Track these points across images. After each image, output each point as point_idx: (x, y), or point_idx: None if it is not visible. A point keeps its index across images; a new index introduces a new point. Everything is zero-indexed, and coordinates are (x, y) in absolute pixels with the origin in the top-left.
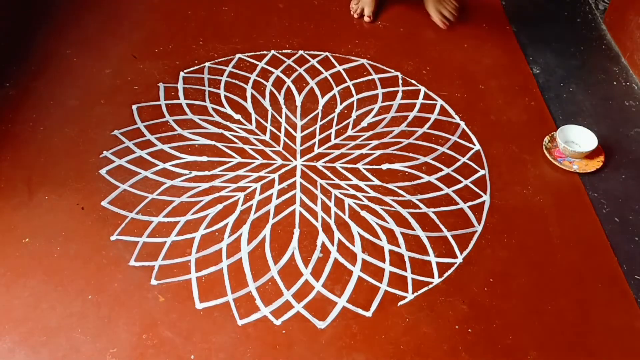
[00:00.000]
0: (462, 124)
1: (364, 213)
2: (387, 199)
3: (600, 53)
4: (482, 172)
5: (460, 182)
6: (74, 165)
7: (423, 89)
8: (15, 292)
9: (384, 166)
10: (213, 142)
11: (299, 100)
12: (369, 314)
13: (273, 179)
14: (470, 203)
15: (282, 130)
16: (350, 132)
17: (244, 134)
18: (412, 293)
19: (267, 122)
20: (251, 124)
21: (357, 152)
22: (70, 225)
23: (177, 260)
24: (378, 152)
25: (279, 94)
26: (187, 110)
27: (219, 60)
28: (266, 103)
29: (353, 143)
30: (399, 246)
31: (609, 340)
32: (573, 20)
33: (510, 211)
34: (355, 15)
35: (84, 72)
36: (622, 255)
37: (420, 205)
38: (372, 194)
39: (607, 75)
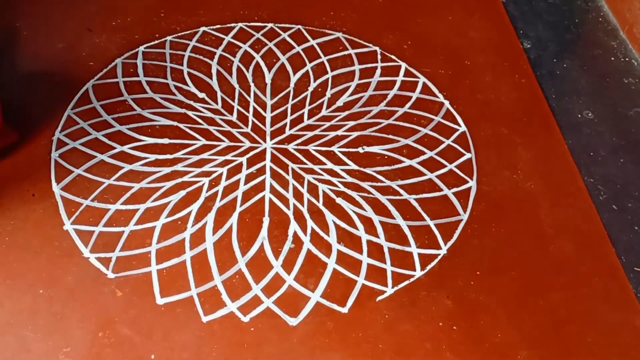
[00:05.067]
0: (447, 103)
1: (339, 200)
2: (365, 184)
3: (596, 26)
4: (468, 155)
5: (445, 166)
6: (23, 148)
7: (404, 65)
8: None
9: (362, 149)
10: (175, 123)
11: (268, 77)
12: (345, 309)
13: (241, 163)
14: (455, 189)
15: (251, 110)
16: (324, 112)
17: (209, 114)
18: (392, 287)
19: (234, 101)
20: (217, 104)
21: (332, 134)
22: (20, 213)
23: (136, 252)
24: (355, 134)
25: (247, 71)
26: (147, 88)
27: (182, 34)
28: (233, 80)
29: (328, 124)
30: (377, 236)
31: (606, 338)
32: None
33: (498, 198)
34: None
35: (34, 46)
36: (621, 246)
37: (401, 191)
38: (349, 179)
39: (604, 50)
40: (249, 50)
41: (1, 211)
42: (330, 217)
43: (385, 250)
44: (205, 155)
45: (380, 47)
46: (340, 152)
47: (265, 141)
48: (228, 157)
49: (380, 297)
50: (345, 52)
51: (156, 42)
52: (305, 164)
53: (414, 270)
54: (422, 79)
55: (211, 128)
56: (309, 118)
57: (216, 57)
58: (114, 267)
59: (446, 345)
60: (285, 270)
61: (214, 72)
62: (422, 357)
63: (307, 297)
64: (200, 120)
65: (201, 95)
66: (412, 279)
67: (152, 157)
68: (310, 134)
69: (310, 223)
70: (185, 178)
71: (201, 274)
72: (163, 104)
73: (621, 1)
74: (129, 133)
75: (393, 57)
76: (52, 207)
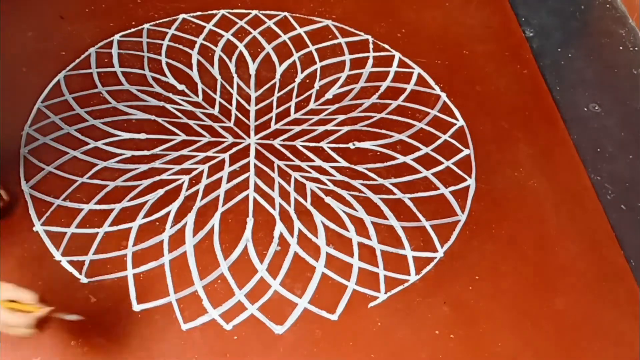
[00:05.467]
0: (443, 95)
1: (328, 199)
2: (356, 182)
3: (604, 13)
4: (466, 151)
5: (441, 163)
6: None
7: (398, 55)
8: None
9: (352, 145)
10: (153, 117)
11: (252, 67)
12: (334, 317)
13: (223, 159)
14: (452, 188)
15: (234, 102)
16: (312, 105)
17: (189, 108)
18: (385, 293)
19: (216, 93)
20: (197, 96)
21: (320, 129)
22: None
23: (111, 255)
24: (345, 129)
25: (230, 61)
26: (122, 79)
27: (160, 21)
28: (215, 71)
29: (316, 118)
30: (369, 238)
31: (615, 347)
32: None
33: (499, 197)
34: None
35: (2, 35)
36: (630, 249)
37: (395, 190)
38: (339, 177)
39: (611, 39)
40: (232, 39)
41: None
42: (318, 218)
43: (378, 253)
44: (185, 152)
45: (373, 35)
46: (330, 148)
47: (249, 136)
48: (209, 153)
49: (372, 303)
50: (335, 41)
51: (132, 30)
52: (292, 160)
53: (409, 274)
54: (417, 70)
55: (191, 122)
56: (296, 111)
57: (197, 46)
58: (87, 271)
59: (443, 354)
60: (270, 274)
61: (194, 62)
62: None
63: (294, 304)
64: (179, 114)
65: (180, 87)
66: (406, 284)
67: (128, 153)
68: (297, 128)
69: (297, 224)
70: (164, 176)
71: (181, 279)
72: (140, 96)
73: None
74: (104, 127)
75: (386, 46)
76: (20, 207)
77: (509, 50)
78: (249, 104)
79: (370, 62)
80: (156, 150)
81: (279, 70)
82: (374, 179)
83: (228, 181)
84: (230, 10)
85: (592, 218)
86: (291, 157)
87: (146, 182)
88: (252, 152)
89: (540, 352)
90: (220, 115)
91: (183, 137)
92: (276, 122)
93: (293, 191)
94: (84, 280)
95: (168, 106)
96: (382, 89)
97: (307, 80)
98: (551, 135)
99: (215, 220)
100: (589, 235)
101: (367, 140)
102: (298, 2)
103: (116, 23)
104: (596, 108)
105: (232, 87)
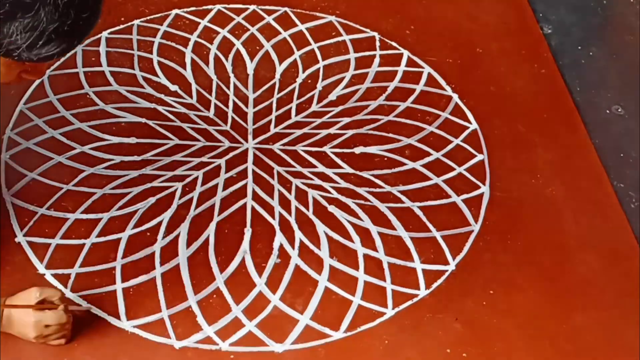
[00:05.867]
0: (455, 96)
1: (332, 208)
2: (361, 190)
3: (627, 8)
4: (480, 157)
5: (453, 169)
6: None
7: (406, 53)
8: None
9: (358, 149)
10: (144, 120)
11: (250, 67)
12: (339, 334)
13: (219, 165)
14: (465, 196)
15: (230, 104)
16: (315, 108)
17: (183, 110)
18: (393, 308)
19: (211, 94)
20: (191, 97)
21: (323, 132)
22: None
23: (98, 267)
24: (350, 132)
25: (226, 60)
26: (111, 79)
27: (151, 17)
28: (210, 71)
29: (318, 121)
30: (376, 250)
31: None
32: None
33: (515, 206)
34: None
35: None
36: None
37: (403, 198)
38: (343, 184)
39: (635, 37)
40: (229, 36)
41: None
42: (321, 228)
43: (385, 266)
44: (178, 157)
45: (379, 32)
46: (333, 153)
47: (246, 141)
48: (204, 158)
49: (379, 320)
50: (339, 38)
51: (122, 26)
52: (292, 166)
53: (418, 288)
54: (427, 69)
55: (185, 125)
56: (297, 114)
57: (190, 44)
58: (73, 285)
59: None
60: (269, 288)
61: (188, 61)
62: None
63: (295, 320)
64: (172, 117)
65: (173, 87)
66: (415, 299)
67: (117, 158)
68: (298, 132)
69: (298, 234)
70: (155, 183)
71: (173, 293)
72: (130, 97)
73: None
74: (91, 131)
75: (394, 44)
76: (1, 216)
77: (525, 48)
78: (247, 106)
79: (376, 60)
80: (147, 156)
81: (279, 69)
82: (380, 186)
83: (224, 189)
84: (226, 6)
85: (614, 228)
86: (292, 162)
87: (136, 190)
88: (250, 158)
89: None
90: (216, 118)
91: (176, 141)
92: (276, 126)
93: (294, 199)
94: (69, 294)
95: (160, 108)
96: (389, 90)
97: (309, 81)
98: (571, 140)
99: (210, 231)
100: (611, 246)
101: (374, 144)
102: None
103: (104, 19)
104: (619, 110)
105: (228, 88)
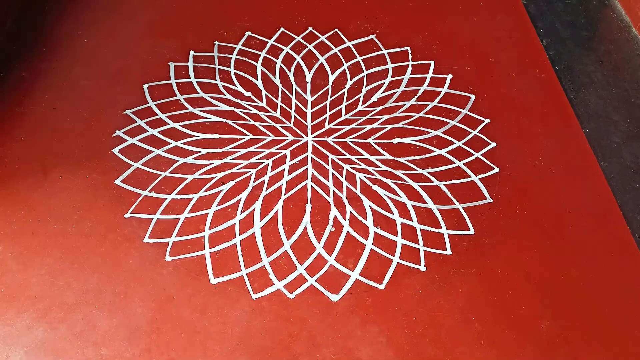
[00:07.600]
0: (473, 97)
1: (375, 187)
2: (398, 172)
3: (611, 23)
4: (493, 144)
5: (472, 154)
6: (86, 144)
7: (433, 63)
8: (33, 270)
9: (395, 140)
10: (224, 120)
11: (308, 76)
12: (381, 286)
13: (284, 154)
14: (481, 175)
15: (293, 106)
16: (360, 107)
17: (255, 111)
18: (425, 265)
19: (277, 98)
20: (261, 101)
21: (367, 127)
22: (85, 204)
23: (190, 237)
24: (389, 127)
25: (289, 71)
26: (197, 88)
27: (228, 38)
28: (276, 80)
29: (363, 118)
30: (410, 219)
31: (623, 309)
32: None
33: (521, 183)
34: None
35: (94, 52)
36: (635, 225)
37: (432, 178)
38: (383, 168)
39: (617, 46)
40: (290, 52)
41: (68, 203)
42: (367, 203)
43: (418, 232)
44: (251, 149)
45: (411, 46)
46: (375, 143)
47: (306, 135)
48: (273, 149)
49: (413, 275)
50: (379, 52)
51: (205, 46)
52: (343, 154)
53: (445, 249)
54: (449, 75)
55: (257, 124)
56: (346, 113)
57: (260, 58)
58: (171, 251)
59: (475, 316)
60: (326, 251)
61: (258, 72)
62: (453, 327)
63: (347, 275)
64: (246, 117)
65: (247, 94)
66: (443, 258)
67: (204, 150)
68: (347, 127)
69: (348, 208)
70: (234, 169)
71: (250, 256)
72: (212, 102)
73: (634, 1)
74: (182, 129)
75: (422, 55)
76: (113, 198)
77: (528, 57)
78: (306, 107)
79: (409, 69)
80: (227, 148)
81: (331, 78)
82: (414, 169)
83: (289, 173)
84: (288, 28)
85: (602, 199)
86: (343, 151)
87: (219, 175)
88: (309, 148)
89: (557, 314)
90: (282, 117)
91: (250, 136)
92: (329, 122)
93: (345, 180)
94: (168, 258)
95: (237, 110)
96: (420, 92)
97: (355, 86)
98: (566, 129)
99: (278, 207)
100: (599, 214)
101: (408, 136)
102: (347, 19)
103: (191, 40)
104: (604, 105)
105: (291, 93)
